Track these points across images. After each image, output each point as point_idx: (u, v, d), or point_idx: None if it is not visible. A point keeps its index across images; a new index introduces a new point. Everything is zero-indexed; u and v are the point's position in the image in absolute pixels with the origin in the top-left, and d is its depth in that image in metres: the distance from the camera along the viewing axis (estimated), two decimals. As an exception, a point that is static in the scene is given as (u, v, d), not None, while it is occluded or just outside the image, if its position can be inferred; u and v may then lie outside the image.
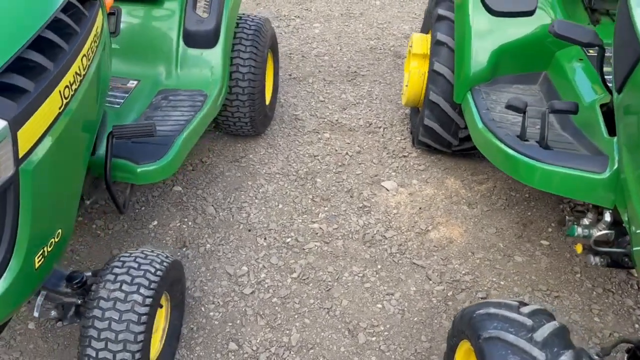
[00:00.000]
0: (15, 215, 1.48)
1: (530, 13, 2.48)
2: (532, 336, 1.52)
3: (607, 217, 1.95)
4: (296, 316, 2.34)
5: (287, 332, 2.27)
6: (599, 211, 2.03)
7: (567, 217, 2.14)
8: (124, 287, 1.75)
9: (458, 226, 2.83)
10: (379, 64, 4.18)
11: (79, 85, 1.70)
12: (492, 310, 1.64)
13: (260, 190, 2.96)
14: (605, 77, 2.10)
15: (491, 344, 1.52)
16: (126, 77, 2.68)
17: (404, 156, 3.28)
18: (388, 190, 3.03)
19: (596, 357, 1.59)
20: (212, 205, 2.85)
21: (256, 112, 3.05)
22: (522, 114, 2.15)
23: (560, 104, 2.07)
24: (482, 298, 2.46)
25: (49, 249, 1.64)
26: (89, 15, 1.83)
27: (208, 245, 2.63)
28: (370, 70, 4.09)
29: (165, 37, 2.73)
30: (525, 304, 1.69)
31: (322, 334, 2.28)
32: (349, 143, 3.35)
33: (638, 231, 1.63)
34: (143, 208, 2.82)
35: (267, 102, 3.28)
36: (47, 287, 1.81)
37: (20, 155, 1.45)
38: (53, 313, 1.89)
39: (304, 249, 2.64)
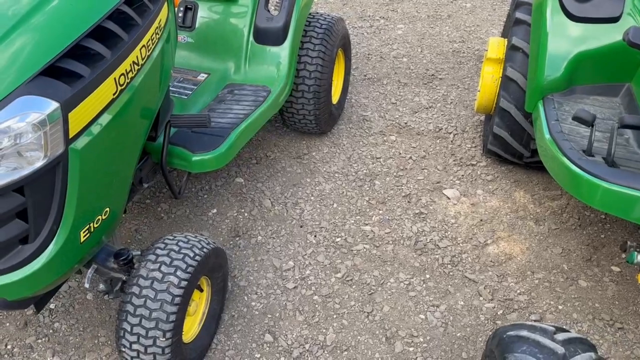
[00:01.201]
0: (63, 191, 1.60)
1: (615, 20, 2.28)
2: (562, 366, 1.40)
3: (674, 245, 1.76)
4: (335, 316, 2.33)
5: (324, 331, 2.27)
6: (666, 239, 1.83)
7: (628, 242, 1.95)
8: (163, 268, 1.84)
9: (520, 242, 2.68)
10: (460, 68, 4.05)
11: (135, 74, 1.80)
12: (525, 333, 1.53)
13: (317, 188, 2.98)
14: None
15: (515, 368, 1.43)
16: (198, 70, 2.80)
17: (472, 165, 3.15)
18: (449, 198, 2.93)
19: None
20: (269, 199, 2.90)
21: (321, 111, 3.07)
22: (589, 127, 1.99)
23: (631, 119, 1.88)
24: (534, 321, 2.31)
25: (96, 225, 1.76)
26: (153, 9, 1.92)
27: (259, 237, 2.68)
28: (449, 73, 3.97)
29: (237, 33, 2.82)
30: (564, 331, 1.56)
31: (359, 337, 2.25)
32: (414, 147, 3.28)
33: None
34: (205, 196, 2.93)
35: (335, 102, 3.29)
36: (97, 262, 1.93)
37: (71, 136, 1.57)
38: (101, 286, 2.02)
39: (352, 250, 2.62)
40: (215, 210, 2.85)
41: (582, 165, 1.92)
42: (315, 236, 2.69)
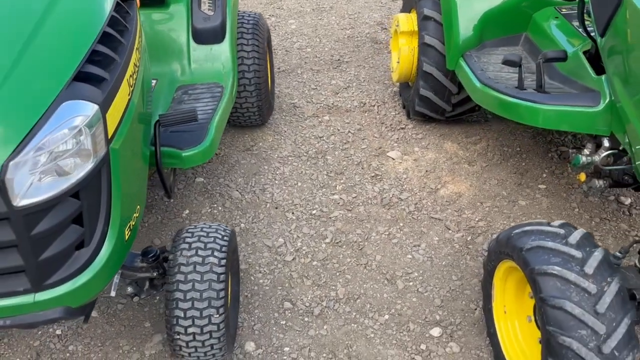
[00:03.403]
0: (108, 191, 1.65)
1: None
2: (567, 241, 1.79)
3: (606, 143, 2.26)
4: (337, 274, 2.56)
5: (333, 287, 2.49)
6: (596, 141, 2.34)
7: (570, 150, 2.45)
8: (200, 252, 1.93)
9: (463, 182, 3.11)
10: (359, 51, 4.44)
11: (137, 76, 1.88)
12: (527, 228, 1.90)
13: (278, 172, 3.16)
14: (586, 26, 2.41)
15: (533, 253, 1.79)
16: (144, 77, 2.83)
17: (402, 128, 3.54)
18: (394, 159, 3.28)
19: (619, 254, 1.87)
20: (237, 190, 3.03)
21: (263, 101, 3.25)
22: (518, 67, 2.44)
23: (552, 53, 2.37)
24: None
25: (133, 223, 1.81)
26: (132, 14, 2.00)
27: (242, 225, 2.81)
28: (352, 56, 4.35)
29: (175, 37, 2.90)
30: (551, 222, 1.96)
31: (365, 285, 2.51)
32: (348, 122, 3.59)
33: (638, 147, 1.93)
34: (172, 200, 2.97)
35: (269, 92, 3.48)
36: (124, 265, 1.96)
37: (109, 136, 1.63)
38: (129, 289, 2.05)
39: (330, 218, 2.86)
40: (187, 211, 2.91)
41: (522, 97, 2.36)
42: (292, 213, 2.89)
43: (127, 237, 1.76)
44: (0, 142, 1.42)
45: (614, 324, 1.64)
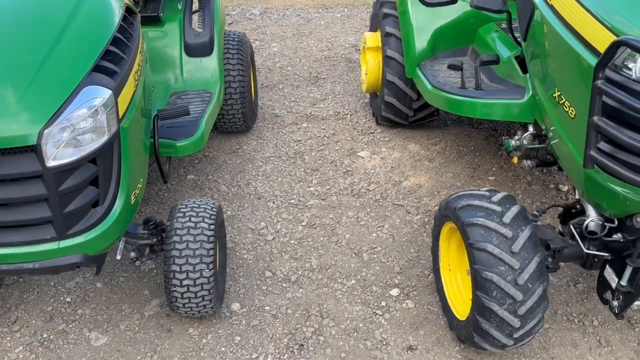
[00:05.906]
0: (119, 161, 2.04)
1: (454, 2, 3.27)
2: (491, 200, 2.20)
3: (531, 128, 2.71)
4: (312, 250, 2.94)
5: (308, 260, 2.87)
6: (524, 129, 2.78)
7: (503, 137, 2.89)
8: (192, 219, 2.32)
9: (423, 176, 3.54)
10: (335, 69, 4.92)
11: (140, 74, 2.30)
12: (461, 193, 2.32)
13: (260, 170, 3.57)
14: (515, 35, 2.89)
15: (464, 210, 2.20)
16: (142, 85, 3.26)
17: (371, 133, 3.98)
18: (363, 158, 3.71)
19: (536, 213, 2.29)
20: (224, 185, 3.43)
21: (247, 109, 3.68)
22: (460, 70, 2.90)
23: (487, 57, 2.83)
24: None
25: (137, 192, 2.20)
26: (136, 25, 2.43)
27: (229, 212, 3.20)
28: (329, 74, 4.82)
29: (170, 51, 3.34)
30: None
31: (335, 258, 2.89)
32: (324, 129, 4.03)
33: (552, 128, 2.37)
34: (166, 194, 3.36)
35: (253, 102, 3.92)
36: (129, 232, 2.34)
37: (120, 117, 2.03)
38: (132, 254, 2.42)
39: (306, 205, 3.26)
40: (180, 202, 3.29)
41: (463, 94, 2.82)
42: (273, 202, 3.28)
43: (132, 202, 2.15)
44: (37, 115, 1.82)
45: (527, 261, 2.04)
